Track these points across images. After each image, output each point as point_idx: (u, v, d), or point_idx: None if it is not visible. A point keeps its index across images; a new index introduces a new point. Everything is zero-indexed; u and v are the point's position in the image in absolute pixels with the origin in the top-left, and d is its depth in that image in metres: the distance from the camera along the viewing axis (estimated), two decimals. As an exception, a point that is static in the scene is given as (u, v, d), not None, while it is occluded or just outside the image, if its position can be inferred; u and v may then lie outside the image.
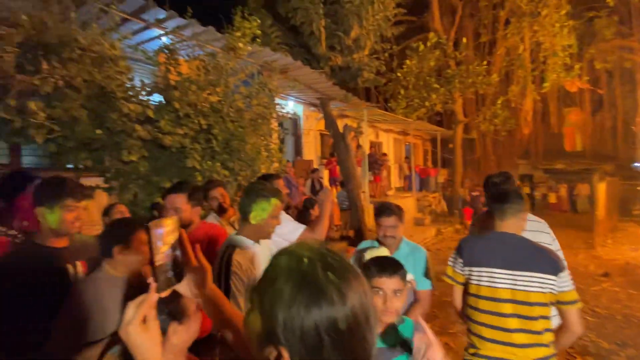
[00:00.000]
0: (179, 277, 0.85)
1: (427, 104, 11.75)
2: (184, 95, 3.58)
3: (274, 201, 1.71)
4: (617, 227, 11.16)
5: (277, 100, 5.64)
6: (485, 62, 11.61)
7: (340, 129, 7.03)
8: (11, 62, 2.83)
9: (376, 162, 10.30)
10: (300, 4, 5.97)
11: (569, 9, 9.74)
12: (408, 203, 11.42)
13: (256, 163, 4.08)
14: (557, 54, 9.79)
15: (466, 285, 1.73)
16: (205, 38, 4.53)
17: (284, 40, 6.70)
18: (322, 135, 9.83)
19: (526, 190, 13.88)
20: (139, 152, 3.20)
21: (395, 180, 13.54)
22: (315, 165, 9.06)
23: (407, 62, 11.69)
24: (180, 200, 2.05)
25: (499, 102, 11.97)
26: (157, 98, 3.74)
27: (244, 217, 1.73)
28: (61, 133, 2.91)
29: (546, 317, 1.56)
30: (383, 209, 2.07)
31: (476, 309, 1.65)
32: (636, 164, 14.03)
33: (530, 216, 1.99)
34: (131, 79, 3.36)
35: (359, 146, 8.68)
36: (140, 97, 3.41)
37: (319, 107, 8.08)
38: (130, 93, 3.36)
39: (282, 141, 6.08)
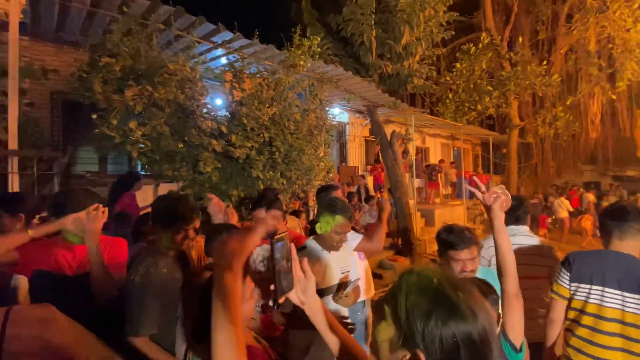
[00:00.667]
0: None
1: (478, 107, 11.26)
2: (250, 111, 3.90)
3: (338, 218, 1.84)
4: None
5: (326, 109, 5.84)
6: (544, 62, 10.84)
7: (387, 136, 7.04)
8: (113, 87, 3.33)
9: (434, 169, 10.55)
10: (351, 16, 6.11)
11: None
12: (458, 211, 11.03)
13: (312, 172, 4.28)
14: (632, 50, 8.86)
15: (570, 300, 1.70)
16: (266, 55, 4.86)
17: (334, 52, 6.89)
18: (367, 141, 9.87)
19: (591, 198, 12.59)
20: (213, 163, 3.55)
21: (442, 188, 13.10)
22: (360, 172, 9.13)
23: (457, 65, 11.31)
24: (260, 213, 2.28)
25: (568, 102, 11.07)
26: (221, 113, 4.12)
27: (314, 229, 1.91)
28: (150, 147, 3.35)
29: None
30: (459, 240, 1.56)
31: (578, 323, 1.65)
32: None
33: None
34: (208, 99, 3.74)
35: (405, 152, 8.59)
36: (214, 114, 3.77)
37: (365, 114, 8.15)
38: (205, 110, 3.74)
39: (329, 149, 6.26)
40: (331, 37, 6.90)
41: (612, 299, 1.56)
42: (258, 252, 1.79)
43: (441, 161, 11.92)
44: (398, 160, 7.01)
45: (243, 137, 3.79)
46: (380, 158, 7.80)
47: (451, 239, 1.58)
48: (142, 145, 3.33)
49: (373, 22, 6.16)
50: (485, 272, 1.72)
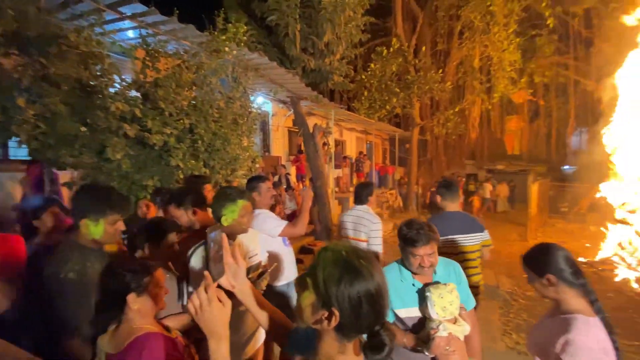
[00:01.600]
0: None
1: (387, 106, 12.47)
2: (167, 94, 3.63)
3: (241, 202, 1.86)
4: (547, 223, 12.90)
5: (250, 98, 5.78)
6: (440, 71, 12.61)
7: (309, 128, 7.33)
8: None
9: (361, 160, 11.65)
10: (276, 6, 6.10)
11: (516, 27, 10.96)
12: (369, 199, 12.13)
13: (237, 162, 4.23)
14: (505, 68, 11.00)
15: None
16: (185, 35, 4.53)
17: (257, 39, 6.79)
18: (290, 132, 10.04)
19: (472, 187, 15.44)
20: (124, 150, 3.22)
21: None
22: (282, 162, 9.28)
23: (372, 65, 12.26)
24: (174, 211, 2.23)
25: (457, 109, 13.16)
26: (131, 94, 3.72)
27: (217, 220, 1.87)
28: (43, 130, 2.85)
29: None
30: (418, 237, 1.59)
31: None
32: (565, 167, 16.21)
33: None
34: (119, 77, 3.34)
35: (326, 144, 9.06)
36: (128, 96, 3.39)
37: (288, 105, 8.28)
38: (114, 90, 3.34)
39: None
40: (254, 24, 6.76)
41: (460, 240, 2.57)
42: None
43: (360, 153, 13.15)
44: (319, 151, 7.37)
45: (160, 122, 3.53)
46: (303, 149, 8.07)
47: (410, 236, 1.62)
48: (35, 127, 2.82)
49: (297, 16, 6.26)
50: (446, 263, 1.77)
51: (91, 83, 3.06)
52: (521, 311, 5.34)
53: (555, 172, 15.83)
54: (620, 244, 8.01)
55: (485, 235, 2.77)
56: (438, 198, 2.79)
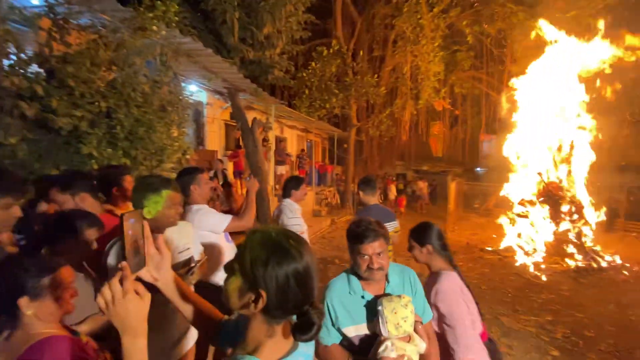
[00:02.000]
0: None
1: (327, 106, 12.75)
2: (79, 72, 3.16)
3: (166, 192, 1.69)
4: (463, 217, 14.51)
5: (181, 84, 5.38)
6: (376, 75, 13.32)
7: (249, 122, 7.10)
8: None
9: (303, 158, 11.93)
10: (214, -10, 5.78)
11: (440, 42, 12.13)
12: (309, 196, 12.26)
13: (164, 153, 3.88)
14: (430, 78, 12.10)
15: None
16: (103, 7, 3.99)
17: (192, 23, 6.34)
18: (227, 125, 9.60)
19: (400, 186, 16.70)
20: (20, 133, 2.71)
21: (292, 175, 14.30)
22: (219, 157, 8.83)
23: (312, 64, 12.40)
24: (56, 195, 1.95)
25: (387, 112, 14.04)
26: (32, 68, 3.16)
27: None
28: None
29: None
30: (365, 232, 1.49)
31: None
32: (478, 169, 18.47)
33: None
34: (17, 49, 2.79)
35: (266, 139, 8.88)
36: (21, 69, 2.86)
37: (225, 96, 7.91)
38: (9, 63, 2.79)
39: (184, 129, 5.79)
40: (188, 6, 6.30)
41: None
42: None
43: (302, 151, 13.33)
44: (258, 146, 7.19)
45: (69, 103, 3.05)
46: (242, 143, 7.78)
47: (358, 232, 1.51)
48: None
49: (236, 4, 6.01)
50: (400, 271, 1.64)
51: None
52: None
53: (469, 172, 17.95)
54: (519, 235, 9.35)
55: (396, 224, 3.33)
56: (360, 194, 3.24)
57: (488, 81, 14.24)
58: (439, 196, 17.73)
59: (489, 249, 9.41)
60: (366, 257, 1.48)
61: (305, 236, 3.27)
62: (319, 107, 12.85)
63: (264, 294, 0.80)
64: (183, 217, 2.23)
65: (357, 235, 1.51)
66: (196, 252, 2.08)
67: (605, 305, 5.73)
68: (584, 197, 9.14)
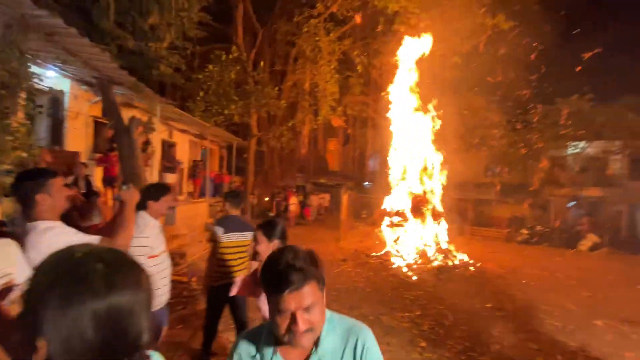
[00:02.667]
0: None
1: (225, 112, 12.19)
2: None
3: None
4: (353, 226, 15.72)
5: (34, 69, 4.30)
6: (277, 88, 13.50)
7: (126, 121, 6.14)
8: None
9: (197, 166, 11.41)
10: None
11: (336, 65, 13.16)
12: (201, 209, 11.31)
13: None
14: (327, 97, 12.93)
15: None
16: None
17: (50, -6, 5.16)
18: (96, 122, 8.06)
19: (300, 197, 17.17)
20: None
21: (187, 185, 13.04)
22: (82, 160, 7.29)
23: (210, 67, 11.75)
24: None
25: (290, 124, 14.34)
26: None
27: None
28: None
29: None
30: (286, 276, 0.97)
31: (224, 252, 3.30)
32: (366, 183, 20.50)
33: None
34: None
35: (147, 143, 7.82)
36: None
37: (96, 88, 6.67)
38: None
39: (31, 121, 4.58)
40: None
41: (236, 237, 3.29)
42: None
43: (197, 161, 12.48)
44: (136, 150, 6.24)
45: None
46: (115, 145, 6.63)
47: (274, 272, 0.99)
48: None
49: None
50: (345, 329, 1.11)
51: None
52: (331, 302, 6.15)
53: (359, 186, 19.81)
54: (395, 241, 10.64)
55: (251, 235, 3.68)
56: (227, 204, 3.47)
57: (374, 106, 16.11)
58: (332, 207, 18.92)
59: (375, 254, 10.38)
60: (285, 313, 0.96)
61: (160, 260, 2.64)
62: (216, 112, 12.18)
63: (42, 342, 0.55)
64: (23, 237, 1.64)
65: (274, 278, 0.98)
66: (21, 276, 1.55)
67: (458, 297, 6.91)
68: (441, 208, 11.12)
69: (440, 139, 11.59)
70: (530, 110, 16.00)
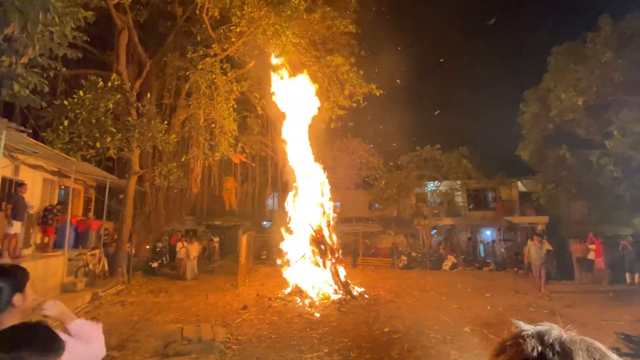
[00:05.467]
0: None
1: (97, 144, 10.37)
2: None
3: None
4: (252, 269, 14.93)
5: None
6: (166, 122, 12.41)
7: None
8: None
9: (52, 212, 9.62)
10: None
11: (234, 104, 13.08)
12: (56, 264, 8.93)
13: None
14: (226, 133, 12.56)
15: None
16: None
17: None
18: None
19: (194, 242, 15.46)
20: None
21: (36, 234, 10.14)
22: None
23: (80, 92, 10.02)
24: None
25: (183, 159, 13.14)
26: None
27: None
28: None
29: None
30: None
31: None
32: (264, 222, 20.11)
33: None
34: None
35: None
36: None
37: None
38: None
39: None
40: None
41: None
42: None
43: (59, 204, 10.18)
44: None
45: None
46: None
47: None
48: None
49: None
50: None
51: None
52: (234, 357, 5.57)
53: (258, 226, 19.32)
54: (296, 281, 10.62)
55: None
56: None
57: (273, 146, 16.50)
58: (228, 250, 17.67)
59: (279, 295, 10.04)
60: None
61: None
62: (84, 145, 10.21)
63: None
64: None
65: None
66: None
67: (360, 327, 7.24)
68: (336, 242, 11.84)
69: (330, 179, 12.62)
70: (399, 156, 19.38)
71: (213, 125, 12.59)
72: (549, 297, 10.16)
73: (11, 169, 8.73)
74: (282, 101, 12.29)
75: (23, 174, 9.33)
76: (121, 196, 13.12)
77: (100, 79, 10.60)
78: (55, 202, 11.05)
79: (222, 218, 18.79)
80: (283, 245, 11.76)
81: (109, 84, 10.59)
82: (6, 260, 6.06)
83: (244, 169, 17.64)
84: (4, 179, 8.49)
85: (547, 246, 10.92)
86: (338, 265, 11.04)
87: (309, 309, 8.80)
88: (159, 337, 6.35)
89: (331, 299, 9.77)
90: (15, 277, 1.36)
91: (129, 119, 11.15)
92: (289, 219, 11.84)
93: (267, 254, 16.71)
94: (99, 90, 10.29)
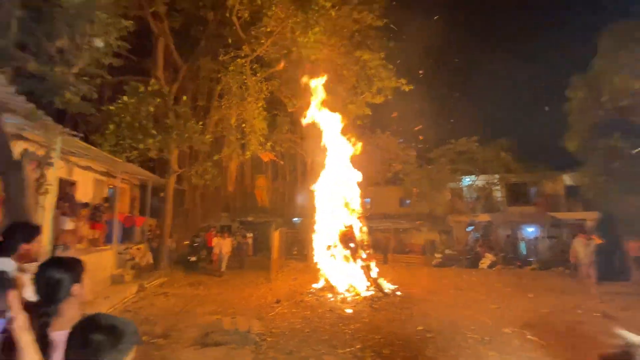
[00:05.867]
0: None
1: (141, 146, 11.08)
2: None
3: None
4: (284, 264, 15.23)
5: None
6: (201, 123, 12.96)
7: (17, 154, 5.06)
8: None
9: (99, 209, 10.09)
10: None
11: (264, 104, 13.37)
12: (106, 257, 9.67)
13: None
14: (256, 132, 12.90)
15: None
16: None
17: None
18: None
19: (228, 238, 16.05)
20: None
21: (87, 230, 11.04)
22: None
23: (124, 98, 10.73)
24: None
25: (216, 157, 13.67)
26: None
27: None
28: None
29: None
30: None
31: None
32: (295, 219, 20.39)
33: None
34: None
35: (42, 180, 6.52)
36: None
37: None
38: None
39: None
40: None
41: None
42: None
43: (106, 201, 10.95)
44: (27, 189, 5.13)
45: None
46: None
47: None
48: None
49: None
50: None
51: None
52: (269, 349, 5.72)
53: (288, 222, 19.64)
54: (329, 275, 10.67)
55: None
56: None
57: (302, 144, 16.66)
58: (261, 246, 18.13)
59: (309, 291, 10.16)
60: None
61: None
62: (128, 147, 10.95)
63: None
64: None
65: None
66: None
67: (393, 324, 7.14)
68: (366, 239, 11.73)
69: (359, 175, 12.51)
70: (431, 150, 18.73)
71: (244, 125, 12.94)
72: (600, 298, 9.41)
73: (65, 170, 9.56)
74: (311, 99, 12.36)
75: (76, 175, 10.19)
76: (162, 194, 13.92)
77: (141, 85, 11.27)
78: (105, 199, 11.97)
79: (255, 214, 19.32)
80: (313, 242, 11.87)
81: (149, 88, 11.24)
82: (70, 253, 6.66)
83: (275, 167, 17.98)
84: (59, 180, 9.34)
85: (596, 241, 10.05)
86: (369, 261, 10.96)
87: (340, 305, 8.82)
88: (199, 328, 6.67)
89: (362, 295, 9.74)
90: (74, 269, 1.50)
91: (167, 121, 11.76)
92: (319, 216, 11.92)
93: (298, 249, 16.94)
94: (140, 95, 10.94)
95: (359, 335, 6.48)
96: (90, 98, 6.76)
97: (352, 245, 10.89)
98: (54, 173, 6.36)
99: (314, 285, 10.58)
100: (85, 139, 9.93)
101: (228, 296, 9.66)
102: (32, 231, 2.20)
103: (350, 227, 11.21)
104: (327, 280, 10.55)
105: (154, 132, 11.05)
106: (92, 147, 8.71)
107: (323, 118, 12.30)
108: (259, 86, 13.41)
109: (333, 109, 12.17)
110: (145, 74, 14.21)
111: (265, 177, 17.15)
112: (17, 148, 5.27)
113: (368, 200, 12.08)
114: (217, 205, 16.90)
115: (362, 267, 10.59)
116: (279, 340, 6.17)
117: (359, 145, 12.15)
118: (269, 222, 16.51)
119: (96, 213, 10.38)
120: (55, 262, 1.49)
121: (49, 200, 6.43)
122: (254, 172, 16.86)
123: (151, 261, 12.19)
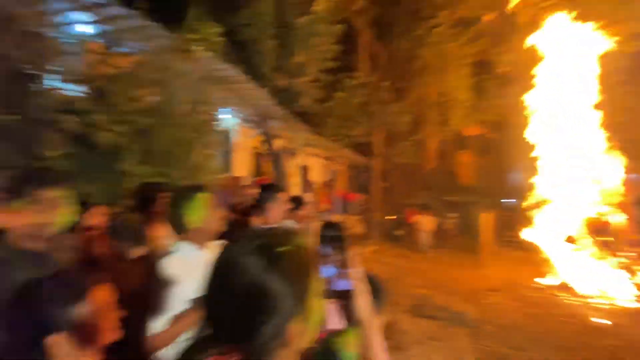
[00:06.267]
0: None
1: (352, 133, 12.74)
2: (123, 90, 3.17)
3: (201, 195, 1.63)
4: (496, 251, 13.51)
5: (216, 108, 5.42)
6: (400, 104, 13.31)
7: (276, 150, 7.06)
8: None
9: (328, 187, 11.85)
10: (250, 20, 6.00)
11: (468, 70, 12.07)
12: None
13: (201, 174, 3.77)
14: (458, 105, 11.94)
15: None
16: (149, 33, 4.13)
17: (225, 51, 6.55)
18: (254, 153, 9.60)
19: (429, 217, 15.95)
20: (60, 147, 2.65)
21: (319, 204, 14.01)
22: (246, 183, 8.72)
23: (339, 94, 12.57)
24: None
25: (416, 137, 13.81)
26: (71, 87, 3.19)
27: (181, 228, 1.60)
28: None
29: None
30: None
31: None
32: (507, 200, 17.45)
33: None
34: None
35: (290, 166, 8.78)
36: (68, 86, 2.88)
37: (254, 124, 7.96)
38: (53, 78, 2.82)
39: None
40: (226, 36, 6.56)
41: None
42: None
43: (330, 181, 13.36)
44: (286, 175, 7.08)
45: (110, 120, 3.02)
46: (264, 170, 7.71)
47: None
48: None
49: (272, 33, 6.20)
50: None
51: (25, 64, 2.53)
52: (488, 338, 5.27)
53: (498, 204, 16.96)
54: (562, 273, 8.54)
55: None
56: None
57: (514, 110, 13.81)
58: (466, 228, 16.64)
59: (532, 286, 8.59)
60: None
61: None
62: (343, 135, 12.84)
63: None
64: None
65: None
66: None
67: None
68: (633, 234, 8.35)
69: (615, 144, 8.96)
70: None
71: (444, 99, 12.18)
72: None
73: (302, 158, 12.41)
74: (538, 46, 9.80)
75: (309, 161, 13.04)
76: (367, 174, 15.51)
77: (351, 80, 12.80)
78: (329, 180, 14.73)
79: (458, 193, 17.97)
80: (536, 229, 9.77)
81: (354, 82, 12.62)
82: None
83: (482, 141, 15.92)
84: (300, 166, 12.25)
85: None
86: (635, 262, 7.89)
87: (586, 312, 6.92)
88: (409, 298, 7.07)
89: (620, 305, 7.23)
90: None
91: (371, 109, 12.85)
92: (549, 197, 9.61)
93: (512, 235, 14.41)
94: (350, 89, 12.48)
95: (619, 356, 4.90)
96: (318, 99, 8.33)
97: (607, 238, 8.22)
98: (296, 161, 8.42)
99: (539, 280, 8.81)
100: (313, 132, 12.47)
101: (434, 274, 9.66)
102: (301, 201, 3.10)
103: (602, 214, 8.43)
104: (559, 277, 8.50)
105: (360, 120, 12.40)
106: (321, 138, 10.81)
107: (559, 68, 9.47)
108: (461, 51, 12.14)
109: (575, 52, 9.12)
110: (350, 69, 15.91)
111: (469, 153, 15.56)
112: (276, 145, 7.34)
113: (635, 176, 8.39)
114: (417, 183, 17.02)
115: (625, 268, 7.80)
116: (499, 332, 5.62)
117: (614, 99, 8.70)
118: (475, 203, 14.99)
119: (325, 189, 12.87)
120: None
121: (295, 180, 8.63)
122: (456, 148, 15.66)
123: (364, 231, 14.00)
